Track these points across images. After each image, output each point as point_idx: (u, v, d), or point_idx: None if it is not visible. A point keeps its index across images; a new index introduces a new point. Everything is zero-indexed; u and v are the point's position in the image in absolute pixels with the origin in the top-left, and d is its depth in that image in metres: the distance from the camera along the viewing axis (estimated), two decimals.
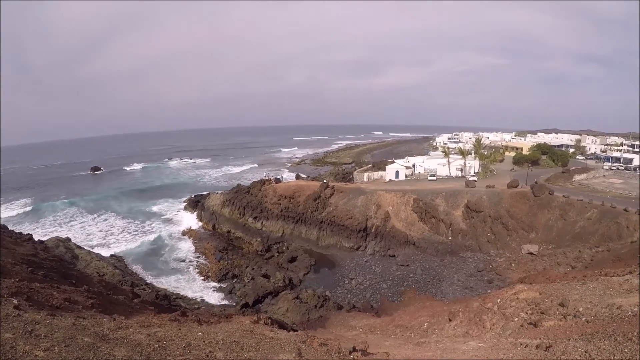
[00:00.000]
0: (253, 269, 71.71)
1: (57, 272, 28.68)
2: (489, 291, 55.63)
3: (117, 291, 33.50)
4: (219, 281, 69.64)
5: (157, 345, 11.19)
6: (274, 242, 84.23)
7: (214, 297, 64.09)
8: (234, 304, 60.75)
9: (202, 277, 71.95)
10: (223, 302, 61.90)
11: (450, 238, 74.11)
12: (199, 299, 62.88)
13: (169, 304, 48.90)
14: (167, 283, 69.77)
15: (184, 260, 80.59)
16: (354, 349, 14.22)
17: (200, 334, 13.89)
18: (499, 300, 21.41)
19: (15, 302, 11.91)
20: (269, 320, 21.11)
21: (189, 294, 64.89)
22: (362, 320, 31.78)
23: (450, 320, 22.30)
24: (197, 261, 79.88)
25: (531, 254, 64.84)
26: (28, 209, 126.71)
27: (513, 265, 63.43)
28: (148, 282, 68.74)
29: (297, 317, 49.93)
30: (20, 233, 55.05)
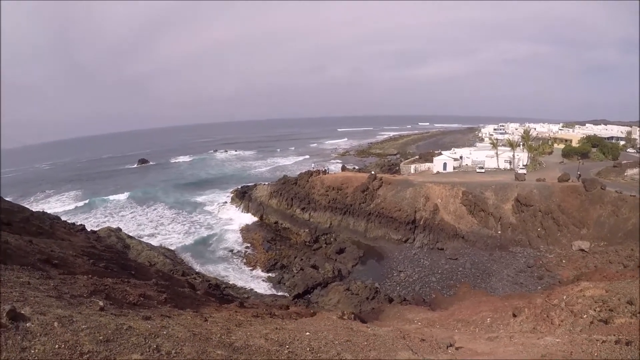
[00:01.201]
0: (301, 259, 72.08)
1: (116, 263, 29.32)
2: (538, 287, 54.88)
3: (174, 281, 34.25)
4: (267, 271, 70.41)
5: (286, 352, 11.48)
6: (321, 233, 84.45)
7: (262, 287, 64.78)
8: (284, 294, 61.35)
9: (250, 267, 72.94)
10: (271, 292, 62.48)
11: (499, 232, 72.78)
12: (247, 289, 63.51)
13: (221, 294, 49.75)
14: (215, 272, 70.93)
15: (231, 250, 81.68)
16: (450, 345, 14.41)
17: (308, 333, 14.05)
18: (565, 297, 21.11)
19: (101, 303, 12.01)
20: (352, 315, 21.38)
21: (238, 283, 65.72)
22: (418, 313, 31.75)
23: (514, 315, 22.13)
24: (245, 251, 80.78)
25: (582, 250, 62.91)
26: (80, 203, 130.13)
27: (563, 261, 61.71)
28: (197, 271, 69.80)
29: (349, 309, 49.90)
30: (73, 224, 56.81)
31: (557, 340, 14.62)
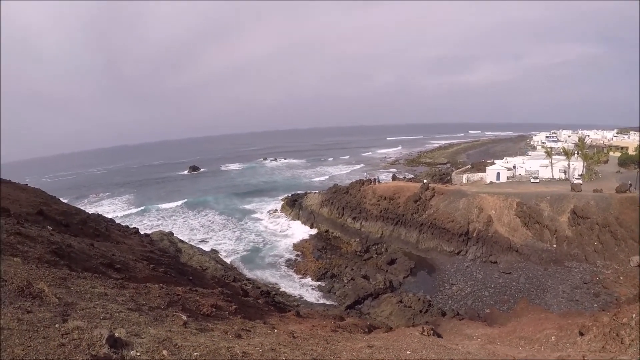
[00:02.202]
0: (352, 269, 71.85)
1: (174, 269, 29.78)
2: (594, 305, 53.25)
3: (229, 288, 34.78)
4: (317, 280, 70.54)
5: None
6: (372, 243, 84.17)
7: (312, 296, 65.21)
8: (333, 303, 61.41)
9: (300, 275, 73.39)
10: (321, 301, 62.71)
11: (554, 245, 70.72)
12: (297, 297, 64.13)
13: (272, 301, 50.33)
14: (265, 279, 71.83)
15: (281, 258, 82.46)
16: None
17: (409, 352, 14.14)
18: (634, 316, 20.71)
19: (184, 317, 11.96)
20: (431, 330, 21.52)
21: (288, 291, 66.42)
22: (477, 329, 31.36)
23: (582, 334, 21.80)
24: (295, 259, 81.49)
25: None
26: (133, 207, 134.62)
27: (621, 278, 59.15)
28: (248, 277, 70.71)
29: (401, 322, 49.75)
30: (127, 226, 58.49)
31: (633, 359, 14.48)
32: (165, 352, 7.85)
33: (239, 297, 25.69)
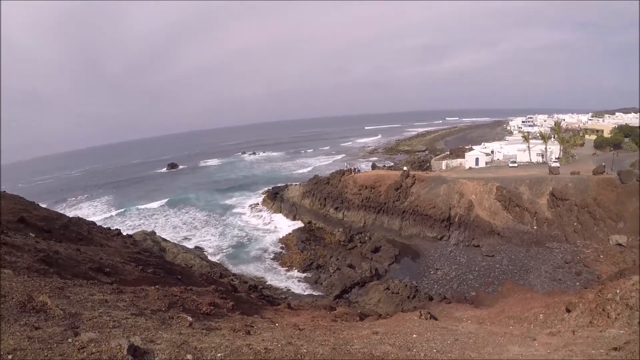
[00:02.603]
0: (337, 259, 72.16)
1: (162, 268, 29.45)
2: (577, 284, 54.39)
3: (218, 284, 34.70)
4: (303, 271, 70.72)
5: (422, 355, 11.82)
6: (356, 233, 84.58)
7: (299, 287, 65.36)
8: (321, 293, 61.70)
9: (285, 268, 73.41)
10: (308, 292, 62.90)
11: (535, 227, 71.92)
12: (284, 289, 64.18)
13: (261, 295, 50.35)
14: (251, 273, 71.66)
15: (266, 251, 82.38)
16: (534, 338, 14.85)
17: (415, 335, 14.27)
18: (618, 291, 21.29)
19: (189, 318, 11.76)
20: (428, 314, 21.83)
21: (274, 284, 66.42)
22: (465, 311, 31.95)
23: (568, 311, 22.31)
24: (280, 252, 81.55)
25: (620, 245, 61.58)
26: (114, 211, 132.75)
27: (601, 256, 60.57)
28: (234, 272, 70.38)
29: (390, 308, 50.24)
30: (109, 228, 58.09)
31: (621, 331, 14.90)
32: (189, 357, 7.79)
33: (232, 294, 25.68)
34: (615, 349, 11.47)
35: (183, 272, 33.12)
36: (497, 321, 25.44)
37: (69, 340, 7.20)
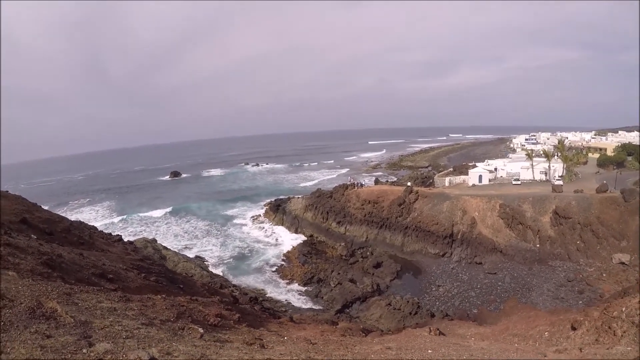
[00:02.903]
0: (339, 273, 71.98)
1: (165, 277, 29.26)
2: (579, 302, 54.26)
3: (220, 295, 34.41)
4: (304, 285, 70.36)
5: None
6: (358, 247, 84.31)
7: (299, 301, 65.10)
8: (320, 307, 61.41)
9: (286, 281, 73.11)
10: (309, 306, 62.64)
11: (538, 245, 71.81)
12: (284, 302, 63.95)
13: (262, 307, 50.05)
14: (251, 285, 71.42)
15: (267, 263, 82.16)
16: (545, 355, 14.83)
17: (430, 351, 14.21)
18: (624, 309, 21.25)
19: (200, 330, 11.55)
20: (437, 330, 21.74)
21: (275, 297, 66.14)
22: (469, 329, 31.75)
23: (574, 328, 22.24)
24: (281, 264, 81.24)
25: (622, 263, 61.59)
26: (116, 216, 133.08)
27: (604, 275, 60.69)
28: (234, 283, 69.95)
29: (392, 324, 50.10)
30: (110, 234, 58.00)
31: (629, 348, 14.85)
32: None
33: (236, 305, 25.56)
34: None
35: (185, 282, 32.93)
36: (501, 339, 25.30)
37: (84, 350, 7.01)
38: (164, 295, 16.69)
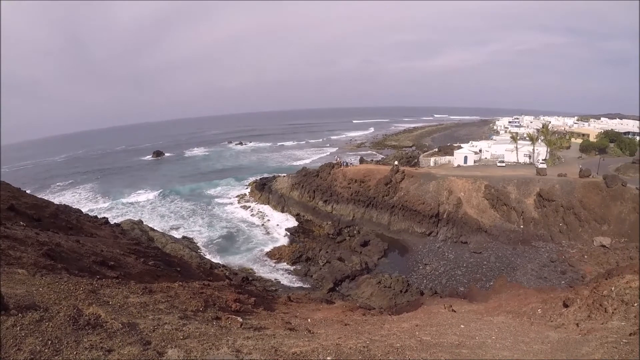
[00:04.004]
0: (327, 252, 72.26)
1: (162, 261, 28.50)
2: (562, 282, 55.68)
3: (214, 276, 34.26)
4: (293, 264, 70.52)
5: (490, 341, 12.33)
6: (344, 226, 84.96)
7: (288, 280, 65.40)
8: (310, 286, 61.94)
9: (275, 260, 73.08)
10: (298, 285, 63.00)
11: (522, 227, 73.26)
12: (274, 281, 64.08)
13: (255, 288, 49.99)
14: (239, 264, 71.41)
15: (254, 242, 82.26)
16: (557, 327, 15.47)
17: (462, 326, 14.68)
18: (613, 288, 22.12)
19: (239, 319, 11.26)
20: (450, 307, 22.29)
21: (263, 276, 66.15)
22: (462, 306, 32.31)
23: (566, 306, 23.05)
24: (267, 243, 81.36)
25: (603, 246, 63.50)
26: (100, 198, 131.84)
27: (585, 257, 62.57)
28: (222, 264, 69.81)
29: (383, 302, 50.63)
30: (96, 217, 57.50)
31: (622, 323, 15.60)
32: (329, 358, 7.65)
33: (246, 288, 25.58)
34: (630, 334, 12.11)
35: (181, 264, 32.40)
36: (496, 315, 26.07)
37: None
38: (180, 283, 16.30)
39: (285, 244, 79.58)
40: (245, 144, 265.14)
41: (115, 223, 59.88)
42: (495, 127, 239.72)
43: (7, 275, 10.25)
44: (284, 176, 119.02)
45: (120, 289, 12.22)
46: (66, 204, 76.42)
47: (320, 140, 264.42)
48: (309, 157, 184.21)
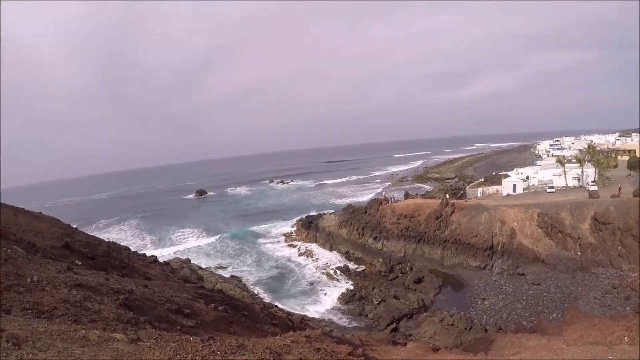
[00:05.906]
0: (380, 290, 71.26)
1: (228, 304, 26.14)
2: (627, 309, 53.78)
3: (277, 319, 33.98)
4: (346, 303, 69.87)
5: None
6: (396, 263, 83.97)
7: (343, 320, 64.60)
8: (362, 325, 61.17)
9: (327, 299, 72.62)
10: (353, 325, 62.09)
11: (579, 253, 71.20)
12: (327, 321, 63.14)
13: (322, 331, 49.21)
14: (290, 304, 71.32)
15: (304, 281, 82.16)
16: None
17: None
18: None
19: None
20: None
21: (317, 316, 65.53)
22: (539, 341, 31.66)
23: None
24: (319, 282, 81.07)
25: None
26: (146, 236, 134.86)
27: None
28: (274, 304, 69.01)
29: (448, 341, 49.81)
30: (144, 255, 58.20)
31: None
32: None
33: (331, 334, 25.23)
34: None
35: (246, 308, 32.21)
36: (580, 346, 25.41)
37: None
38: (272, 334, 15.74)
39: (338, 284, 78.88)
40: (287, 182, 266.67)
41: (164, 262, 60.80)
42: (536, 152, 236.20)
43: (106, 343, 7.76)
44: (331, 214, 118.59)
45: (234, 351, 9.44)
46: (113, 240, 77.79)
47: (362, 176, 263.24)
48: (353, 194, 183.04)
